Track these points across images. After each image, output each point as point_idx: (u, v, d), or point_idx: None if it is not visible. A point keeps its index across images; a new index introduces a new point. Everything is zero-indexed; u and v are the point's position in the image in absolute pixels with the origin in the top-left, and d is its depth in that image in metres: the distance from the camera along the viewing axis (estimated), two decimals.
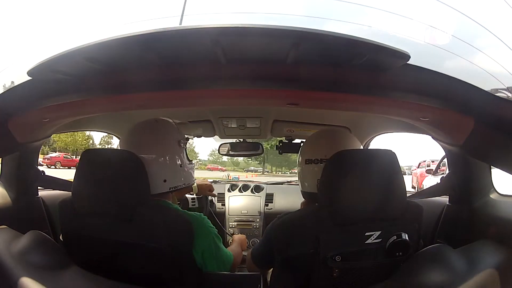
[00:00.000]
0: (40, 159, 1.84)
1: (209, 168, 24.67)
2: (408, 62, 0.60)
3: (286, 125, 1.73)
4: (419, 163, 9.61)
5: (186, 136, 1.02)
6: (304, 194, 1.04)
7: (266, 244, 0.94)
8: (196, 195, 1.63)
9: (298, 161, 1.05)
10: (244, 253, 1.29)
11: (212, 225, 0.93)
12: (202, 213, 0.93)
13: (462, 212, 1.04)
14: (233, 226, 1.91)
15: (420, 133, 1.04)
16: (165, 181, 0.92)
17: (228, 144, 2.03)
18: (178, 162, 0.95)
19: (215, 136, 1.91)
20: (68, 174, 1.19)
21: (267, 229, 0.94)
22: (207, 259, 0.89)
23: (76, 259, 0.82)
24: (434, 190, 1.18)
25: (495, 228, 0.88)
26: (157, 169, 0.91)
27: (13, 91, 0.74)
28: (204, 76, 0.69)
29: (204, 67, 0.68)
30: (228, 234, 1.81)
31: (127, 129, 0.99)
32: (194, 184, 1.29)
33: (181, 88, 0.71)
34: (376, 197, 0.81)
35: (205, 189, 1.63)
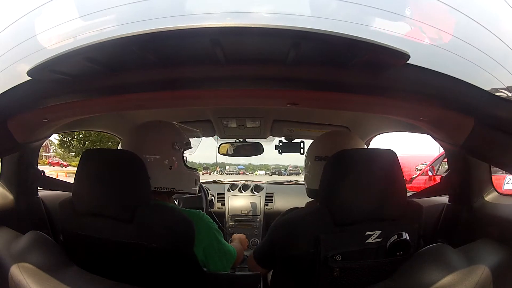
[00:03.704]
0: None
1: (50, 163, 19.00)
2: (408, 62, 0.60)
3: (286, 125, 1.73)
4: None
5: (186, 142, 1.00)
6: (310, 192, 1.03)
7: (269, 243, 0.94)
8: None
9: (306, 160, 1.06)
10: (245, 253, 1.29)
11: (212, 221, 0.93)
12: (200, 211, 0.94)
13: (462, 212, 1.04)
14: (233, 226, 1.91)
15: (420, 133, 1.04)
16: (149, 178, 0.89)
17: (228, 144, 2.03)
18: (165, 163, 0.94)
19: (215, 136, 1.91)
20: None
21: (270, 228, 0.95)
22: (209, 255, 0.89)
23: (76, 259, 0.81)
24: (434, 190, 1.18)
25: (495, 227, 0.88)
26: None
27: (13, 91, 0.73)
28: (204, 76, 0.68)
29: (203, 67, 0.68)
30: (228, 234, 1.81)
31: (127, 129, 0.99)
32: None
33: (180, 88, 0.71)
34: (376, 197, 0.81)
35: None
